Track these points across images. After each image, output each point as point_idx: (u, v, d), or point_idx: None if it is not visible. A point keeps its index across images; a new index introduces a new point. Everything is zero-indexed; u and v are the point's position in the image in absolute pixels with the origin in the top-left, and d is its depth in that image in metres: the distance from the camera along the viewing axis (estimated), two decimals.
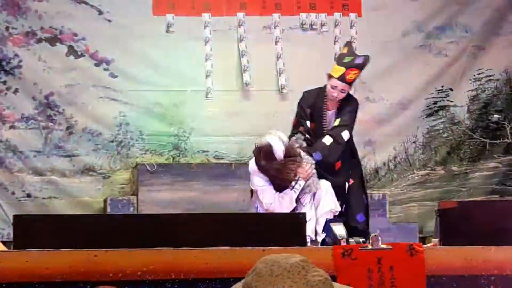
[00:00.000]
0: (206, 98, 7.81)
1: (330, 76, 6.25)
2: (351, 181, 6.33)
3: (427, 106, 8.18)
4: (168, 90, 7.75)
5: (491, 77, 8.24)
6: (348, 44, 6.52)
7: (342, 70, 6.19)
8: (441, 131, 8.22)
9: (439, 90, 8.19)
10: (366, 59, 6.32)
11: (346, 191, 6.29)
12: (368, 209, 6.48)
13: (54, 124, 7.53)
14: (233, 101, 7.86)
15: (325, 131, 6.25)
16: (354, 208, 6.28)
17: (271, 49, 7.93)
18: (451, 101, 8.22)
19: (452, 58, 8.18)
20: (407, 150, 8.15)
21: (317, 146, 6.17)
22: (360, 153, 7.75)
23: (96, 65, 7.61)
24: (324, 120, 6.29)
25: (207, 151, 7.80)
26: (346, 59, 6.25)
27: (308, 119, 6.29)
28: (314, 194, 6.01)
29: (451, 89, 8.20)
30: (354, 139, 7.28)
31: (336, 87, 6.19)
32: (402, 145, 8.14)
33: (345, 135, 6.21)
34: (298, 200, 5.94)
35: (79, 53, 7.58)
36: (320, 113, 6.28)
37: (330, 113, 6.30)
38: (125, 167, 7.63)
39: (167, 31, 7.75)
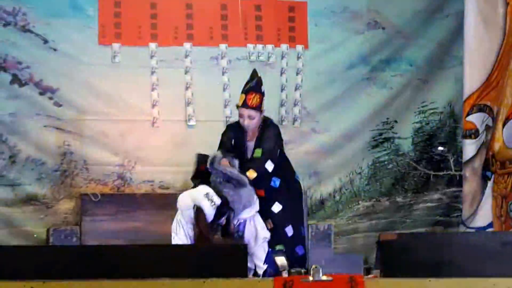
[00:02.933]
0: (152, 127, 7.81)
1: (237, 106, 6.33)
2: (279, 206, 6.28)
3: (373, 138, 8.27)
4: (113, 120, 7.72)
5: (435, 110, 8.36)
6: (253, 72, 6.58)
7: (243, 97, 6.28)
8: (386, 163, 8.30)
9: (384, 122, 8.28)
10: (258, 80, 6.38)
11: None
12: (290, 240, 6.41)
13: None
14: (179, 131, 7.86)
15: (246, 162, 6.26)
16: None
17: (218, 80, 7.96)
18: (396, 133, 8.31)
19: (397, 90, 8.29)
20: (352, 181, 8.21)
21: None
22: (305, 184, 7.83)
23: (41, 93, 7.56)
24: (245, 151, 6.32)
25: (152, 181, 7.78)
26: (245, 86, 6.37)
27: (230, 151, 6.31)
28: (244, 230, 6.01)
29: (396, 121, 8.30)
30: (300, 169, 7.35)
31: (242, 115, 6.27)
32: (348, 176, 8.20)
33: (269, 165, 6.23)
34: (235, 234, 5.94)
35: (24, 82, 7.53)
36: (241, 144, 6.33)
37: (250, 144, 6.34)
38: (69, 197, 7.56)
39: (113, 61, 7.74)
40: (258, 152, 6.26)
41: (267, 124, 6.35)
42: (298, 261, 6.01)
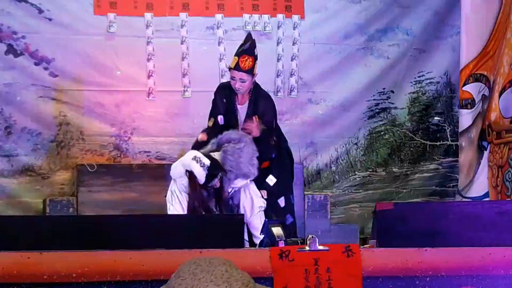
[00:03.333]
0: (148, 98, 7.79)
1: (229, 69, 6.32)
2: (274, 179, 6.30)
3: (369, 108, 8.26)
4: (109, 90, 7.70)
5: (432, 80, 8.34)
6: (248, 35, 6.55)
7: (236, 59, 6.26)
8: (382, 133, 8.30)
9: (380, 92, 8.27)
10: (251, 43, 6.36)
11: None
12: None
13: None
14: (175, 102, 7.84)
15: (236, 125, 6.28)
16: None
17: (214, 50, 7.93)
18: (392, 103, 8.30)
19: (394, 60, 8.27)
20: (348, 152, 8.21)
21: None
22: (302, 155, 7.84)
23: (36, 64, 7.53)
24: (236, 114, 6.33)
25: (148, 152, 7.77)
26: (239, 48, 6.35)
27: (221, 113, 6.32)
28: (239, 199, 6.00)
29: (393, 91, 8.29)
30: (295, 140, 7.37)
31: (234, 77, 6.26)
32: (344, 147, 8.21)
33: (272, 139, 6.27)
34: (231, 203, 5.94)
35: (19, 52, 7.50)
36: (232, 107, 6.32)
37: (241, 107, 6.34)
38: (65, 168, 7.56)
39: (108, 30, 7.70)
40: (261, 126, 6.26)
41: (260, 94, 6.33)
42: (288, 229, 6.02)
